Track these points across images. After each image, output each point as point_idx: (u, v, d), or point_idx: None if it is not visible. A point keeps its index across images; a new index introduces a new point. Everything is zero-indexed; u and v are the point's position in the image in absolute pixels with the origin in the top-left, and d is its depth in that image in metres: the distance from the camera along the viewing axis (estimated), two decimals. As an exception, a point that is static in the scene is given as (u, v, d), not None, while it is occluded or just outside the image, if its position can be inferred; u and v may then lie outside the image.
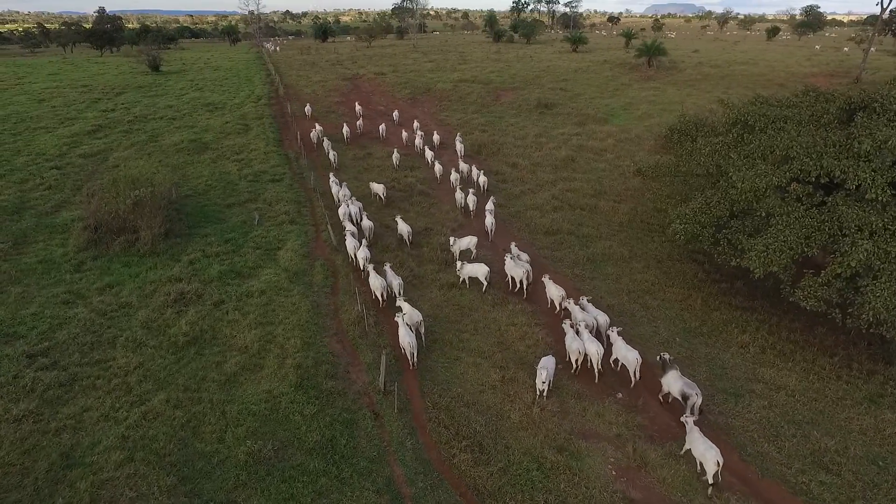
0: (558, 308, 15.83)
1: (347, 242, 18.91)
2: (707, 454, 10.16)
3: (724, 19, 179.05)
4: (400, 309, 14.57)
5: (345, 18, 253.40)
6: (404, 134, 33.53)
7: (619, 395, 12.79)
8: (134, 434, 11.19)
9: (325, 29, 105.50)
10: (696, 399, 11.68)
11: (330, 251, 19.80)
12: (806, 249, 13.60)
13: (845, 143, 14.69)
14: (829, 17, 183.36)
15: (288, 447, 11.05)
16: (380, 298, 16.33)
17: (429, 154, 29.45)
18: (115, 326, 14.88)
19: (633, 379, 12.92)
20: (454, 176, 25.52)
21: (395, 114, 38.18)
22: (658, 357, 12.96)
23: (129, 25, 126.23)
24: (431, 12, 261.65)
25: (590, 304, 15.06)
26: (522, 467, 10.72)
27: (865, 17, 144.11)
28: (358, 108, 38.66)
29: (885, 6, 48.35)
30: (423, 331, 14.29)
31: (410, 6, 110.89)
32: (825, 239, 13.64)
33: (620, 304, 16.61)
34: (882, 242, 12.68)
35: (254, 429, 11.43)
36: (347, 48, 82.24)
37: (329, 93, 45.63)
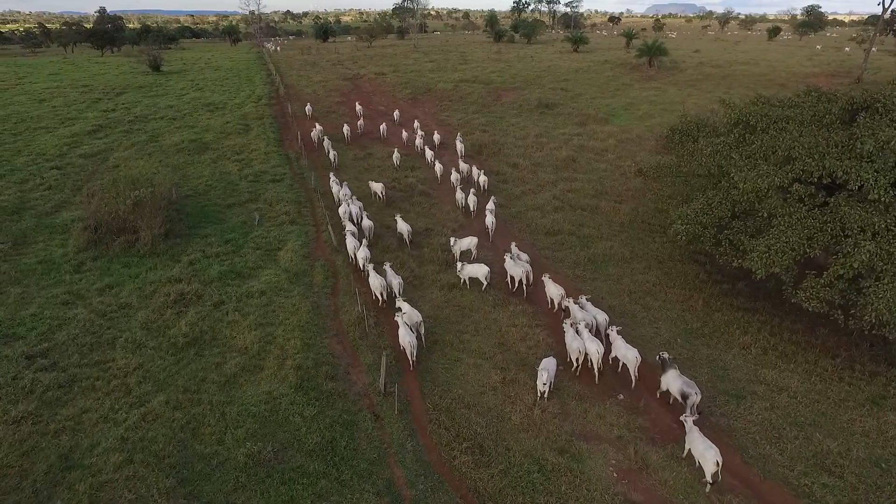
0: (557, 307, 15.82)
1: (347, 242, 18.87)
2: (706, 454, 10.13)
3: (725, 19, 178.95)
4: (399, 309, 14.54)
5: (345, 18, 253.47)
6: (404, 134, 33.51)
7: (621, 396, 12.74)
8: (133, 436, 11.15)
9: (325, 29, 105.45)
10: (696, 398, 11.67)
11: (330, 252, 19.76)
12: (808, 250, 13.53)
13: (848, 143, 14.63)
14: (831, 17, 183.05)
15: (288, 449, 11.00)
16: (379, 298, 16.30)
17: (429, 154, 29.43)
18: (115, 327, 14.85)
19: (633, 379, 12.89)
20: (454, 176, 25.48)
21: (396, 114, 38.16)
22: (658, 357, 12.94)
23: (130, 25, 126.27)
24: (432, 12, 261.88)
25: (589, 303, 15.06)
26: (523, 469, 10.68)
27: (867, 16, 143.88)
28: (358, 108, 38.63)
29: (886, 6, 48.21)
30: (422, 331, 14.24)
31: (411, 6, 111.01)
32: (827, 240, 13.57)
33: (622, 304, 16.56)
34: (885, 243, 12.61)
35: (253, 430, 11.39)
36: (348, 48, 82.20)
37: (330, 93, 45.59)
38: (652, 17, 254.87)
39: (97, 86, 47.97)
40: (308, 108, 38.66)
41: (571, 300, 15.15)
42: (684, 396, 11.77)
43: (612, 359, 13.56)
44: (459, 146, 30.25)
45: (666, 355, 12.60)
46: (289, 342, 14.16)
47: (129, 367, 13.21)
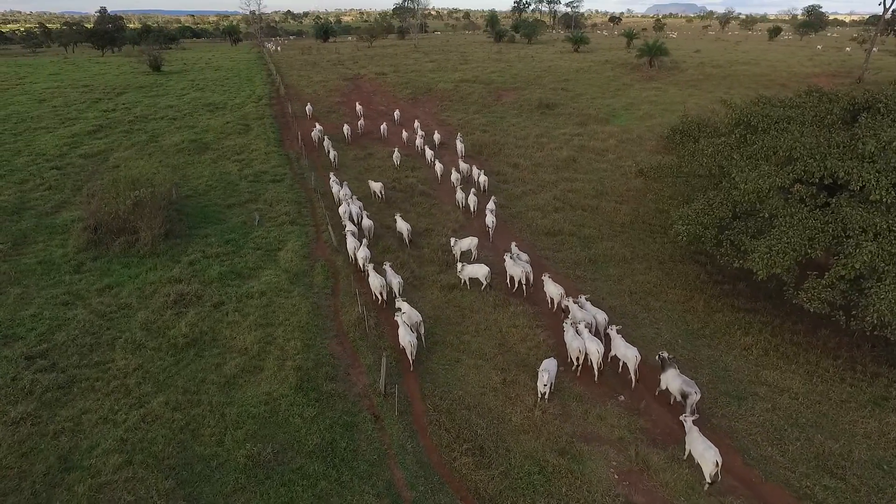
0: (557, 307, 15.81)
1: (348, 242, 18.85)
2: (706, 454, 10.12)
3: (725, 19, 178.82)
4: (399, 309, 14.51)
5: (346, 18, 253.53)
6: (405, 134, 33.50)
7: (622, 397, 12.70)
8: (132, 437, 11.12)
9: (326, 29, 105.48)
10: (696, 397, 11.66)
11: (330, 252, 19.73)
12: (809, 251, 13.48)
13: (849, 143, 14.60)
14: (831, 17, 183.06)
15: (287, 450, 10.97)
16: (379, 298, 16.27)
17: (429, 153, 29.43)
18: (115, 328, 14.82)
19: (633, 378, 12.86)
20: (455, 176, 25.48)
21: (397, 114, 38.15)
22: (657, 355, 12.94)
23: (131, 25, 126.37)
24: (433, 12, 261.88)
25: (588, 302, 15.05)
26: (524, 471, 10.64)
27: (867, 16, 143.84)
28: (359, 107, 38.64)
29: (887, 6, 48.15)
30: (422, 331, 14.21)
31: (412, 6, 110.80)
32: (829, 240, 13.52)
33: (622, 305, 16.52)
34: (886, 244, 12.57)
35: (253, 431, 11.36)
36: (349, 48, 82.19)
37: (330, 93, 45.57)
38: (652, 17, 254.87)
39: (97, 86, 47.99)
40: (308, 107, 38.65)
41: (571, 299, 15.14)
42: (684, 395, 11.76)
43: (612, 357, 13.54)
44: (460, 146, 30.22)
45: (665, 354, 12.60)
46: (289, 343, 14.13)
47: (128, 367, 13.18)
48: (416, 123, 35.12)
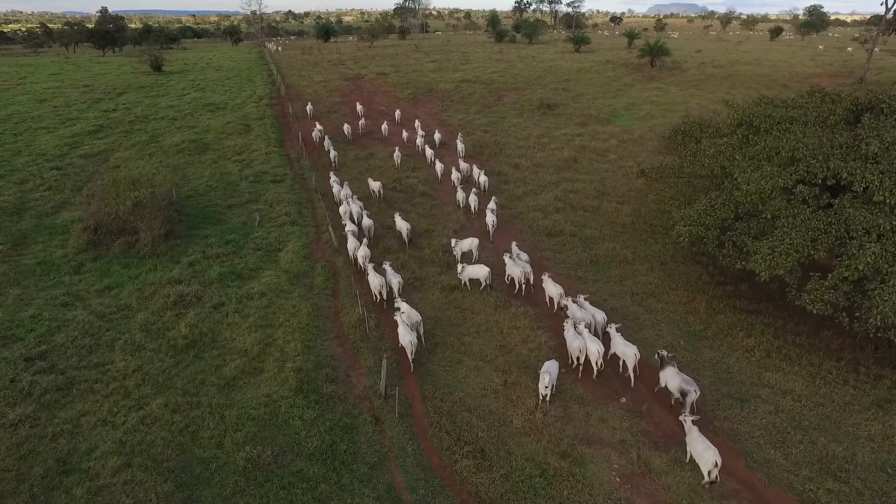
0: (556, 306, 15.78)
1: (348, 242, 18.80)
2: (705, 454, 10.08)
3: (726, 19, 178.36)
4: (398, 308, 14.46)
5: (347, 18, 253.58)
6: (405, 134, 33.45)
7: (623, 399, 12.63)
8: (131, 439, 11.06)
9: (327, 29, 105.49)
10: (695, 395, 11.62)
11: (331, 253, 19.67)
12: (812, 252, 13.40)
13: (852, 144, 14.50)
14: (833, 17, 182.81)
15: (287, 453, 10.91)
16: (378, 297, 16.21)
17: (429, 153, 29.40)
18: (114, 329, 14.76)
19: (632, 377, 12.81)
20: (455, 175, 25.43)
21: (397, 113, 38.11)
22: (657, 354, 12.93)
23: (132, 25, 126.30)
24: (433, 12, 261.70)
25: (587, 302, 15.02)
26: (525, 474, 10.57)
27: (869, 16, 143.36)
28: (359, 107, 38.61)
29: (889, 6, 48.04)
30: (422, 332, 14.16)
31: (412, 6, 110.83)
32: (832, 242, 13.44)
33: (624, 306, 16.44)
34: (890, 245, 12.48)
35: (253, 434, 11.30)
36: (349, 48, 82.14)
37: (331, 93, 45.52)
38: (654, 17, 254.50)
39: (98, 86, 47.98)
40: (309, 107, 38.61)
41: (570, 299, 15.12)
42: (683, 393, 11.72)
43: (612, 356, 13.49)
44: (460, 146, 30.19)
45: (664, 352, 12.59)
46: (289, 344, 14.07)
47: (127, 369, 13.13)
48: (417, 123, 35.08)
